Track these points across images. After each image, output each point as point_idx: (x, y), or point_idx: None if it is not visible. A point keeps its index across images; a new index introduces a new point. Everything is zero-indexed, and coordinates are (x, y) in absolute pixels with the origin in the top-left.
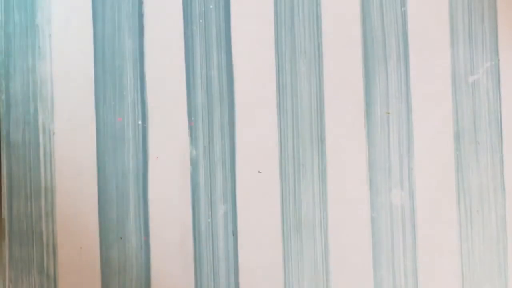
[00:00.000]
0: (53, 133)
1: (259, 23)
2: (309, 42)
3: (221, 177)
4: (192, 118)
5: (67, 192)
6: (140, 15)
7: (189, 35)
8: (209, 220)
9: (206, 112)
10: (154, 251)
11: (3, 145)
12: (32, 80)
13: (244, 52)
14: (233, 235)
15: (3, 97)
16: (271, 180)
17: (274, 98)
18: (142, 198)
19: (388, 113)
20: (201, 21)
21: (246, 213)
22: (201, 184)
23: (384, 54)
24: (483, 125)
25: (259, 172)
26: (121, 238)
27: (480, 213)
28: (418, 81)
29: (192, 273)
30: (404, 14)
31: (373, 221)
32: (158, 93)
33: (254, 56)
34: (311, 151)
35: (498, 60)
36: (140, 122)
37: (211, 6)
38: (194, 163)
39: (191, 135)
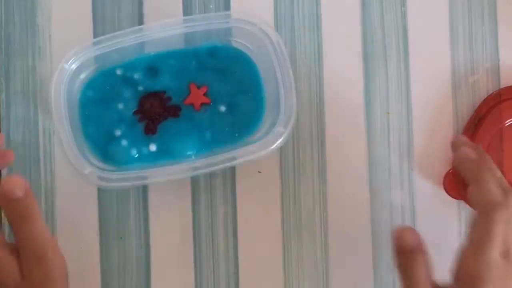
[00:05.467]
0: (53, 133)
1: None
2: (309, 42)
3: (221, 177)
4: None
5: (67, 192)
6: (140, 15)
7: (189, 35)
8: (209, 220)
9: None
10: (154, 251)
11: (3, 145)
12: (32, 80)
13: None
14: (233, 235)
15: (3, 97)
16: (271, 180)
17: None
18: (142, 198)
19: (388, 113)
20: None
21: (246, 213)
22: (201, 184)
23: (384, 54)
24: None
25: (259, 172)
26: (121, 238)
27: None
28: (418, 81)
29: (192, 273)
30: (404, 14)
31: (373, 221)
32: None
33: None
34: (311, 151)
35: (498, 60)
36: None
37: (211, 6)
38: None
39: None
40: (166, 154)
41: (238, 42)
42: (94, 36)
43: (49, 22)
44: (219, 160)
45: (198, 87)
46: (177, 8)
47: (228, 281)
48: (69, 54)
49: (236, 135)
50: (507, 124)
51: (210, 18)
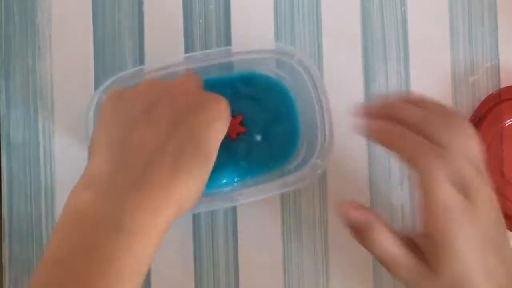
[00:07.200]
0: (53, 133)
1: (259, 23)
2: (309, 42)
3: None
4: None
5: (67, 192)
6: (140, 15)
7: (189, 35)
8: (209, 220)
9: None
10: None
11: (3, 145)
12: (32, 80)
13: None
14: (233, 235)
15: (3, 97)
16: None
17: None
18: None
19: None
20: (201, 21)
21: (246, 213)
22: None
23: (384, 54)
24: None
25: None
26: None
27: None
28: (418, 81)
29: (192, 273)
30: (404, 14)
31: None
32: None
33: None
34: None
35: (498, 60)
36: None
37: (211, 6)
38: None
39: None
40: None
41: (273, 71)
42: (94, 36)
43: (49, 22)
44: (259, 191)
45: (234, 116)
46: (177, 8)
47: (228, 281)
48: (106, 84)
49: (271, 164)
50: (507, 124)
51: (247, 53)
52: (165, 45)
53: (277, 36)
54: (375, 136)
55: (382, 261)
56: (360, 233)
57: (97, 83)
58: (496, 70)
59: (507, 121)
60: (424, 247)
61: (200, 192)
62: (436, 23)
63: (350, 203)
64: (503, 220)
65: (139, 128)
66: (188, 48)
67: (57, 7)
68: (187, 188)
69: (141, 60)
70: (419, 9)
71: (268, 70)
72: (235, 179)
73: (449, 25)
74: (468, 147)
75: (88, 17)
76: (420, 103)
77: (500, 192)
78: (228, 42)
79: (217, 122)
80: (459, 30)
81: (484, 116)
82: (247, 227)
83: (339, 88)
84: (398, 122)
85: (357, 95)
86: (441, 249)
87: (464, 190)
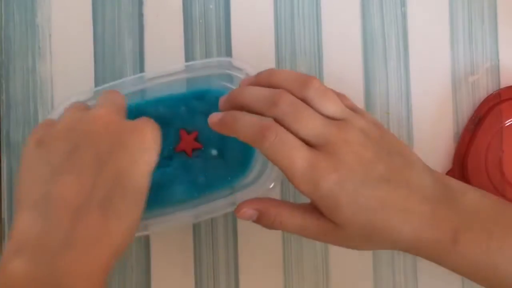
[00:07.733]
0: None
1: (259, 23)
2: (309, 42)
3: None
4: None
5: None
6: (140, 15)
7: (189, 35)
8: (209, 220)
9: None
10: (154, 251)
11: (3, 145)
12: (32, 80)
13: (244, 52)
14: (233, 235)
15: (3, 97)
16: None
17: None
18: None
19: (388, 113)
20: (201, 21)
21: None
22: None
23: (384, 54)
24: None
25: None
26: None
27: None
28: (418, 81)
29: (192, 273)
30: (404, 14)
31: None
32: None
33: (254, 56)
34: None
35: (498, 60)
36: None
37: (211, 6)
38: None
39: None
40: (161, 202)
41: (224, 85)
42: (94, 37)
43: (49, 22)
44: (219, 206)
45: (189, 133)
46: (177, 8)
47: (228, 281)
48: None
49: (229, 178)
50: (507, 124)
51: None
52: (165, 45)
53: (277, 36)
54: (214, 127)
55: (296, 234)
56: (261, 222)
57: (97, 83)
58: (496, 70)
59: (507, 121)
60: (319, 208)
61: (134, 230)
62: (436, 23)
63: (239, 204)
64: (382, 136)
65: (61, 178)
66: (188, 48)
67: (57, 7)
68: (119, 233)
69: (141, 59)
70: (419, 9)
71: (221, 85)
72: (194, 195)
73: (449, 25)
74: (318, 101)
75: (88, 17)
76: (264, 79)
77: (500, 192)
78: (228, 42)
79: (143, 155)
80: (459, 30)
81: (484, 116)
82: (247, 227)
83: (339, 88)
84: (243, 108)
85: (357, 95)
86: (326, 208)
87: (317, 142)
